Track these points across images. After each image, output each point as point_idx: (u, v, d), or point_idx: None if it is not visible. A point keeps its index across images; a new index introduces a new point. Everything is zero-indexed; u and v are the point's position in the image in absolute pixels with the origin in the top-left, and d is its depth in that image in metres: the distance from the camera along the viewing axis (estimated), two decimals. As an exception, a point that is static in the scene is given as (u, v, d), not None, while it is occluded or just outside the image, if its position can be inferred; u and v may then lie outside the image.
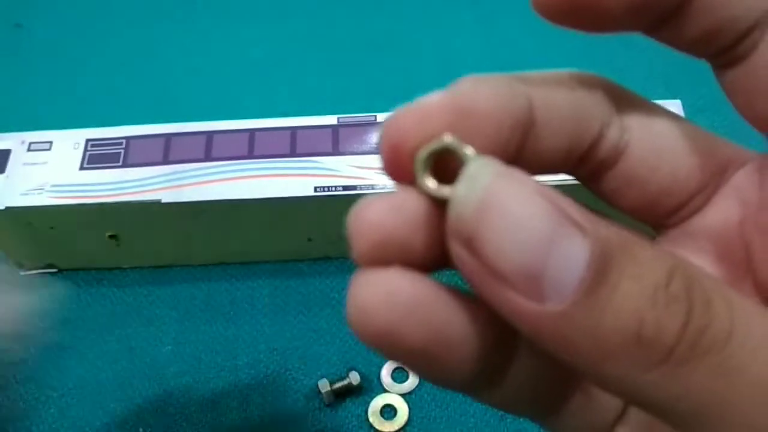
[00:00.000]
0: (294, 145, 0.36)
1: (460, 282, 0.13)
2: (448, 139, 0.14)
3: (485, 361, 0.14)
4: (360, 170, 0.35)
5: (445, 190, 0.13)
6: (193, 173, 0.35)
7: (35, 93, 0.47)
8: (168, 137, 0.36)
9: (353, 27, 0.50)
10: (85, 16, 0.52)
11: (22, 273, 0.39)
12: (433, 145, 0.14)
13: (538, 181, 0.12)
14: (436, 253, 0.14)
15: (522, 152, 0.14)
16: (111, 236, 0.37)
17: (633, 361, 0.12)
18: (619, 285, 0.12)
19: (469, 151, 0.13)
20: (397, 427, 0.33)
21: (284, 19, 0.51)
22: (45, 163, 0.36)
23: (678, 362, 0.12)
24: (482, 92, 0.14)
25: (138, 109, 0.46)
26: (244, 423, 0.34)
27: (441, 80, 0.50)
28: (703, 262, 0.16)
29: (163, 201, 0.34)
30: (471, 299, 0.14)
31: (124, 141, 0.36)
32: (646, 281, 0.12)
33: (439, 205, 0.13)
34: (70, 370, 0.36)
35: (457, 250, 0.13)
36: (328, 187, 0.34)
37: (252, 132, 0.36)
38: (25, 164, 0.36)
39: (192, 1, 0.52)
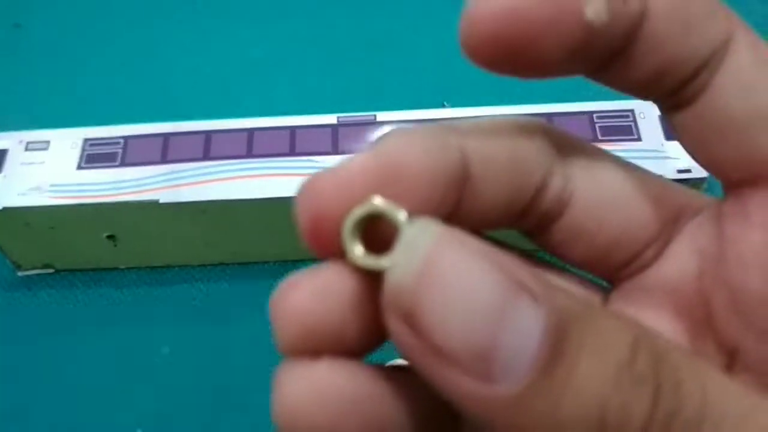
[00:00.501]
0: (293, 144, 0.35)
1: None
2: (377, 201, 0.12)
3: None
4: (360, 170, 0.34)
5: (380, 261, 0.12)
6: (191, 173, 0.35)
7: (33, 92, 0.47)
8: (166, 136, 0.36)
9: (353, 26, 0.50)
10: (84, 16, 0.52)
11: (20, 273, 0.39)
12: (361, 211, 0.12)
13: (482, 243, 0.11)
14: (371, 333, 0.12)
15: (458, 210, 0.13)
16: (109, 236, 0.36)
17: None
18: (578, 363, 0.11)
19: (401, 215, 0.12)
20: None
21: (283, 19, 0.51)
22: (42, 162, 0.35)
23: None
24: (411, 150, 0.13)
25: (136, 108, 0.46)
26: (244, 423, 0.34)
27: (441, 80, 0.50)
28: (660, 318, 0.15)
29: (162, 201, 0.34)
30: (412, 375, 0.12)
31: (122, 140, 0.36)
32: (608, 358, 0.11)
33: (373, 278, 0.12)
34: (67, 370, 0.36)
35: (395, 327, 0.11)
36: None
37: (251, 131, 0.36)
38: (22, 164, 0.35)
39: (191, 1, 0.52)
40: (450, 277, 0.11)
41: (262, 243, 0.38)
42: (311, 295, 0.12)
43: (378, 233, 0.12)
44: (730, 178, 0.14)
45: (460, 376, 0.11)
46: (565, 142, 0.16)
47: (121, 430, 0.34)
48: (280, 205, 0.34)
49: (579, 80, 0.50)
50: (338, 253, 0.12)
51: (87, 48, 0.50)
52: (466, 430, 0.14)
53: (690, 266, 0.15)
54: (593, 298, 0.16)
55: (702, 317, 0.15)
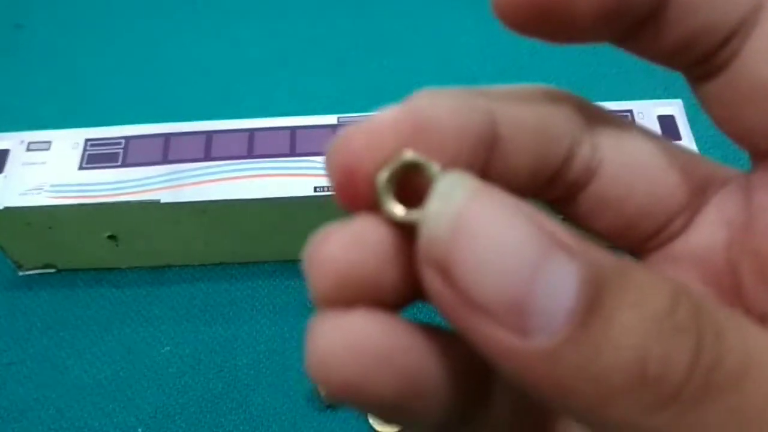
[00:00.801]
0: (294, 144, 0.36)
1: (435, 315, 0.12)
2: (410, 155, 0.12)
3: (461, 405, 0.13)
4: (360, 170, 0.35)
5: (414, 214, 0.11)
6: (192, 173, 0.35)
7: (34, 93, 0.47)
8: (167, 137, 0.36)
9: (353, 27, 0.50)
10: (85, 17, 0.52)
11: (21, 273, 0.39)
12: (396, 164, 0.12)
13: (518, 199, 0.11)
14: (405, 287, 0.12)
15: (486, 173, 0.13)
16: (110, 236, 0.36)
17: (637, 403, 0.10)
18: (616, 315, 0.10)
19: (435, 167, 0.12)
20: (396, 428, 0.33)
21: (284, 19, 0.51)
22: (44, 162, 0.35)
23: (689, 403, 0.10)
24: (441, 107, 0.13)
25: (137, 108, 0.46)
26: (244, 423, 0.34)
27: (441, 80, 0.50)
28: None
29: (163, 201, 0.34)
30: (447, 335, 0.12)
31: (123, 141, 0.36)
32: (647, 310, 0.10)
33: (407, 232, 0.12)
34: (68, 370, 0.36)
35: (429, 279, 0.11)
36: (328, 186, 0.34)
37: (252, 132, 0.36)
38: (23, 164, 0.35)
39: (192, 1, 0.52)
40: (485, 229, 0.10)
41: (262, 243, 0.38)
42: (346, 244, 0.12)
43: (410, 188, 0.12)
44: (760, 147, 0.14)
45: (495, 329, 0.11)
46: (594, 112, 0.15)
47: (121, 429, 0.34)
48: (281, 205, 0.34)
49: (578, 81, 0.50)
50: (370, 208, 0.12)
51: (88, 48, 0.50)
52: (498, 390, 0.14)
53: (718, 236, 0.15)
54: None
55: (730, 287, 0.14)
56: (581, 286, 0.10)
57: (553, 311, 0.10)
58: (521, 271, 0.10)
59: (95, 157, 0.36)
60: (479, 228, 0.11)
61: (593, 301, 0.10)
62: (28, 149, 0.36)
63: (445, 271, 0.11)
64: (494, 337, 0.11)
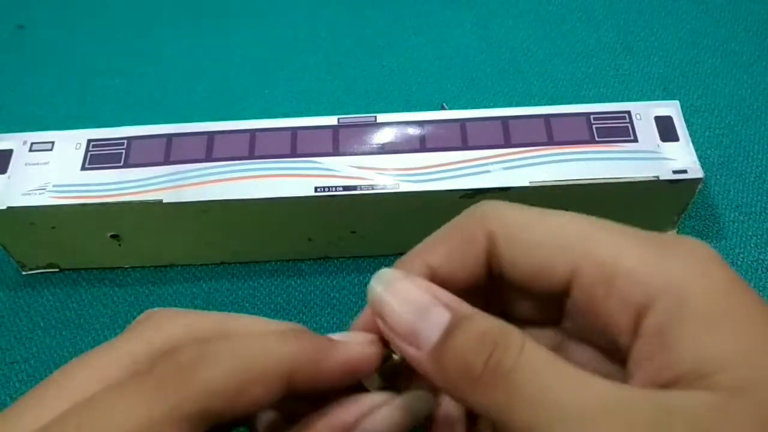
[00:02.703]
0: (294, 145, 0.36)
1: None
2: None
3: None
4: (360, 170, 0.35)
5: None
6: (194, 173, 0.35)
7: (37, 93, 0.47)
8: (169, 138, 0.36)
9: (353, 28, 0.50)
10: (87, 18, 0.52)
11: (24, 272, 0.39)
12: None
13: (421, 279, 0.21)
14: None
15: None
16: (112, 236, 0.37)
17: (464, 385, 0.18)
18: (457, 338, 0.19)
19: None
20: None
21: (285, 20, 0.51)
22: (47, 163, 0.36)
23: (485, 383, 0.18)
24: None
25: (139, 109, 0.46)
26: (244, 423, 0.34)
27: (441, 81, 0.51)
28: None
29: (165, 201, 0.34)
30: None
31: (125, 141, 0.36)
32: (470, 335, 0.19)
33: None
34: (71, 369, 0.36)
35: (377, 322, 0.21)
36: (328, 187, 0.34)
37: (253, 132, 0.36)
38: (27, 164, 0.36)
39: (193, 2, 0.53)
40: (390, 297, 0.21)
41: (263, 243, 0.38)
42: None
43: None
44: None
45: (406, 347, 0.20)
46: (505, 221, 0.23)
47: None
48: (282, 205, 0.35)
49: (576, 82, 0.51)
50: None
51: (90, 49, 0.50)
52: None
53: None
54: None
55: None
56: (449, 323, 0.19)
57: (431, 336, 0.19)
58: (410, 318, 0.20)
59: (98, 157, 0.36)
60: (388, 297, 0.21)
61: (451, 331, 0.19)
62: (31, 150, 0.36)
63: (381, 318, 0.21)
64: (407, 351, 0.20)
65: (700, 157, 0.35)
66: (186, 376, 0.18)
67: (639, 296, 0.19)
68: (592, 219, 0.21)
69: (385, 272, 0.21)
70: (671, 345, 0.18)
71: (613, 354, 0.21)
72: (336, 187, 0.34)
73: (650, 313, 0.19)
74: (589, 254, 0.20)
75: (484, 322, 0.19)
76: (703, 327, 0.18)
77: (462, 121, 0.36)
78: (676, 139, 0.35)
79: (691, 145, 0.35)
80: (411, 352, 0.20)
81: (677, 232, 0.38)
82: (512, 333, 0.19)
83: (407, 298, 0.20)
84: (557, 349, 0.23)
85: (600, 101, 0.42)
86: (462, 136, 0.36)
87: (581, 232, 0.21)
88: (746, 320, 0.18)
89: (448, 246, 0.22)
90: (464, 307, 0.20)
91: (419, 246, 0.23)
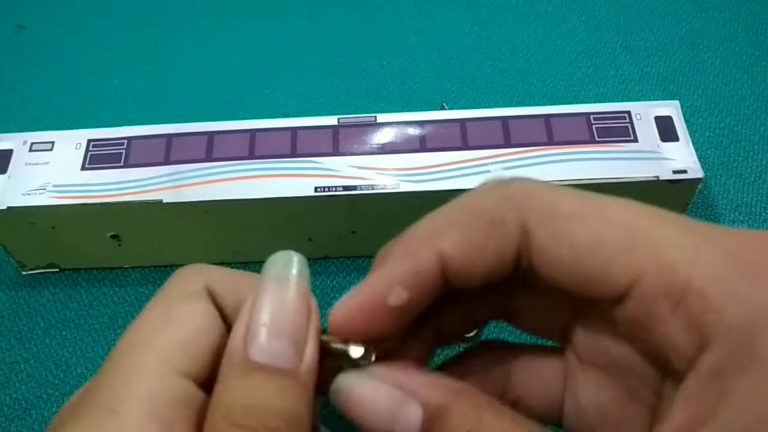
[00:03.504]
0: (294, 145, 0.36)
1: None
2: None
3: None
4: (360, 170, 0.35)
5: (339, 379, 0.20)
6: (194, 173, 0.35)
7: (37, 94, 0.47)
8: (169, 138, 0.36)
9: (353, 28, 0.50)
10: (87, 17, 0.52)
11: (25, 272, 0.39)
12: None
13: (384, 370, 0.19)
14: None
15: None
16: (112, 236, 0.37)
17: None
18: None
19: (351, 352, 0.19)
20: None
21: (285, 20, 0.51)
22: (47, 163, 0.36)
23: None
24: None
25: (139, 109, 0.46)
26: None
27: (441, 81, 0.50)
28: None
29: (165, 201, 0.34)
30: None
31: (125, 141, 0.36)
32: None
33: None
34: (71, 369, 0.36)
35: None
36: (328, 187, 0.34)
37: (253, 132, 0.36)
38: (27, 164, 0.36)
39: (194, 3, 0.53)
40: (356, 402, 0.19)
41: (263, 243, 0.38)
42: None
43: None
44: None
45: None
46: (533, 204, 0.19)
47: (124, 427, 0.34)
48: (282, 205, 0.35)
49: (576, 82, 0.51)
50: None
51: (90, 49, 0.50)
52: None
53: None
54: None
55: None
56: (423, 420, 0.17)
57: None
58: (384, 417, 0.18)
59: (98, 157, 0.36)
60: (353, 404, 0.19)
61: (428, 425, 0.17)
62: (31, 150, 0.36)
63: (349, 417, 0.19)
64: None
65: (700, 157, 0.35)
66: None
67: (708, 326, 0.16)
68: (665, 213, 0.17)
69: (342, 381, 0.19)
70: (729, 394, 0.15)
71: (625, 373, 0.19)
72: (336, 187, 0.34)
73: (715, 346, 0.15)
74: (658, 260, 0.16)
75: (455, 423, 0.17)
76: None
77: (462, 121, 0.36)
78: (676, 139, 0.35)
79: (691, 145, 0.35)
80: None
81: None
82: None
83: (374, 405, 0.18)
84: (564, 378, 0.21)
85: (600, 101, 0.42)
86: (462, 136, 0.36)
87: (651, 230, 0.17)
88: None
89: (467, 232, 0.18)
90: (437, 395, 0.18)
91: (426, 224, 0.19)
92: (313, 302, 0.20)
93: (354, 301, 0.19)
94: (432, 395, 0.18)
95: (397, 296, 0.18)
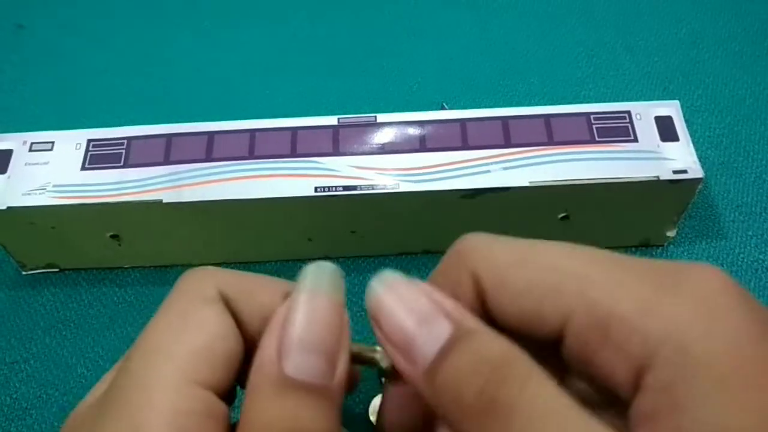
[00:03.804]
0: (294, 145, 0.36)
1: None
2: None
3: None
4: (360, 170, 0.35)
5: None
6: (194, 173, 0.35)
7: (37, 93, 0.47)
8: (169, 138, 0.36)
9: (353, 28, 0.50)
10: (87, 17, 0.52)
11: (24, 272, 0.39)
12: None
13: (427, 285, 0.19)
14: None
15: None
16: (112, 236, 0.37)
17: (455, 414, 0.17)
18: (452, 360, 0.17)
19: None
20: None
21: (285, 20, 0.51)
22: (47, 163, 0.36)
23: (477, 418, 0.16)
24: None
25: (139, 109, 0.46)
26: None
27: (441, 81, 0.50)
28: None
29: (164, 201, 0.34)
30: None
31: (125, 141, 0.36)
32: (469, 359, 0.17)
33: None
34: (71, 369, 0.36)
35: (372, 324, 0.19)
36: (328, 187, 0.34)
37: (253, 132, 0.36)
38: (26, 164, 0.36)
39: (194, 3, 0.53)
40: (388, 302, 0.19)
41: (263, 243, 0.38)
42: None
43: None
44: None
45: (399, 359, 0.18)
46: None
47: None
48: (282, 205, 0.35)
49: (576, 82, 0.51)
50: None
51: (90, 49, 0.50)
52: None
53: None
54: None
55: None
56: (447, 338, 0.17)
57: (427, 352, 0.17)
58: (408, 325, 0.18)
59: (98, 157, 0.36)
60: (388, 301, 0.19)
61: (449, 348, 0.17)
62: (31, 149, 0.36)
63: (377, 324, 0.19)
64: (399, 363, 0.18)
65: (700, 157, 0.35)
66: None
67: (637, 347, 0.16)
68: (592, 252, 0.18)
69: (387, 274, 0.19)
70: (682, 407, 0.15)
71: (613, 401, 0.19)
72: (336, 187, 0.34)
73: (653, 366, 0.16)
74: (582, 297, 0.17)
75: (486, 345, 0.17)
76: (716, 388, 0.15)
77: (462, 121, 0.36)
78: (676, 139, 0.35)
79: (691, 145, 0.35)
80: (404, 367, 0.18)
81: (677, 232, 0.38)
82: (516, 363, 0.17)
83: (408, 304, 0.18)
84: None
85: (600, 101, 0.42)
86: (462, 136, 0.36)
87: (576, 270, 0.18)
88: (764, 379, 0.15)
89: (442, 290, 0.20)
90: (468, 320, 0.18)
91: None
92: (346, 315, 0.20)
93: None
94: (463, 319, 0.18)
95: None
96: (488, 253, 0.19)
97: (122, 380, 0.19)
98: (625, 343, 0.17)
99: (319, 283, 0.19)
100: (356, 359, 0.20)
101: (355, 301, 0.38)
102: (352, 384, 0.22)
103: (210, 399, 0.18)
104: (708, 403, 0.15)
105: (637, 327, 0.16)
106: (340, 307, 0.19)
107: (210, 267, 0.22)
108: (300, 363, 0.18)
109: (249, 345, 0.20)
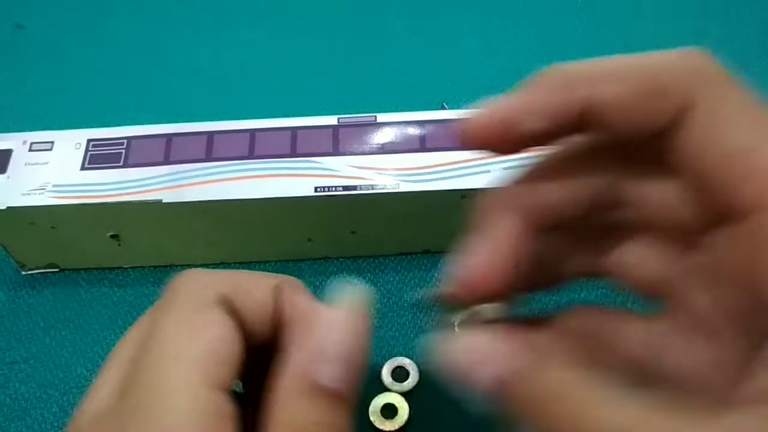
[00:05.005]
0: (294, 145, 0.36)
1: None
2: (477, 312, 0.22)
3: None
4: (360, 170, 0.35)
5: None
6: (194, 173, 0.35)
7: (36, 93, 0.47)
8: (169, 137, 0.36)
9: (353, 27, 0.50)
10: (86, 17, 0.52)
11: (24, 272, 0.39)
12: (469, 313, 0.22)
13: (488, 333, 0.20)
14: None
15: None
16: (112, 236, 0.37)
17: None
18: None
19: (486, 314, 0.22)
20: (397, 426, 0.33)
21: (285, 20, 0.51)
22: (46, 163, 0.36)
23: None
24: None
25: (139, 109, 0.46)
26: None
27: (441, 81, 0.50)
28: None
29: (164, 201, 0.34)
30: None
31: (125, 141, 0.36)
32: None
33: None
34: (71, 369, 0.36)
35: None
36: (328, 187, 0.34)
37: (252, 132, 0.36)
38: (26, 164, 0.36)
39: (193, 2, 0.53)
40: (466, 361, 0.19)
41: (262, 243, 0.38)
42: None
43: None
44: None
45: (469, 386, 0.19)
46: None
47: (124, 427, 0.34)
48: (281, 205, 0.35)
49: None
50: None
51: (90, 48, 0.50)
52: None
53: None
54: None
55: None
56: (493, 382, 0.19)
57: (480, 385, 0.19)
58: (468, 370, 0.19)
59: (97, 157, 0.36)
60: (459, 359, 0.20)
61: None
62: (31, 149, 0.36)
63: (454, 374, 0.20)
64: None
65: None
66: None
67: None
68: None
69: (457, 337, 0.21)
70: None
71: (717, 335, 0.19)
72: (336, 187, 0.34)
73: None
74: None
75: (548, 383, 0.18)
76: None
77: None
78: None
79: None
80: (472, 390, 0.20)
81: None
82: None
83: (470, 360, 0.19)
84: (653, 348, 0.21)
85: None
86: (462, 136, 0.36)
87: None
88: None
89: (626, 86, 0.21)
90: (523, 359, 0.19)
91: (585, 67, 0.22)
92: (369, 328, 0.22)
93: (487, 115, 0.22)
94: (519, 359, 0.19)
95: (533, 121, 0.21)
96: (723, 95, 0.20)
97: (141, 386, 0.20)
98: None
99: (354, 303, 0.22)
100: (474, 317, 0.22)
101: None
102: None
103: (225, 400, 0.19)
104: None
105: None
106: (366, 321, 0.21)
107: (200, 269, 0.23)
108: (331, 373, 0.20)
109: (249, 342, 0.22)
